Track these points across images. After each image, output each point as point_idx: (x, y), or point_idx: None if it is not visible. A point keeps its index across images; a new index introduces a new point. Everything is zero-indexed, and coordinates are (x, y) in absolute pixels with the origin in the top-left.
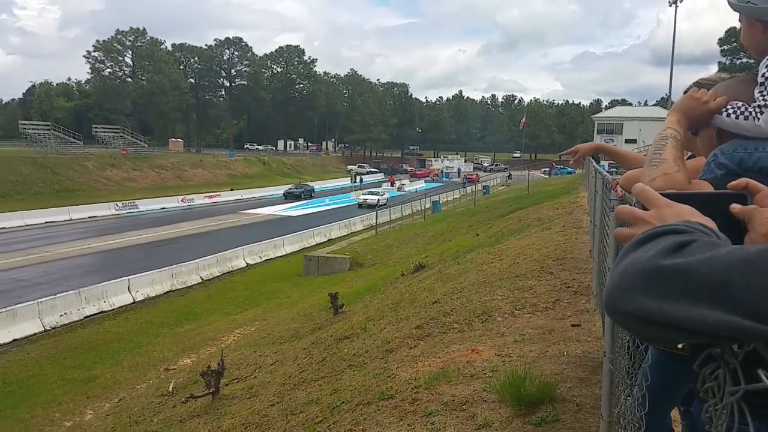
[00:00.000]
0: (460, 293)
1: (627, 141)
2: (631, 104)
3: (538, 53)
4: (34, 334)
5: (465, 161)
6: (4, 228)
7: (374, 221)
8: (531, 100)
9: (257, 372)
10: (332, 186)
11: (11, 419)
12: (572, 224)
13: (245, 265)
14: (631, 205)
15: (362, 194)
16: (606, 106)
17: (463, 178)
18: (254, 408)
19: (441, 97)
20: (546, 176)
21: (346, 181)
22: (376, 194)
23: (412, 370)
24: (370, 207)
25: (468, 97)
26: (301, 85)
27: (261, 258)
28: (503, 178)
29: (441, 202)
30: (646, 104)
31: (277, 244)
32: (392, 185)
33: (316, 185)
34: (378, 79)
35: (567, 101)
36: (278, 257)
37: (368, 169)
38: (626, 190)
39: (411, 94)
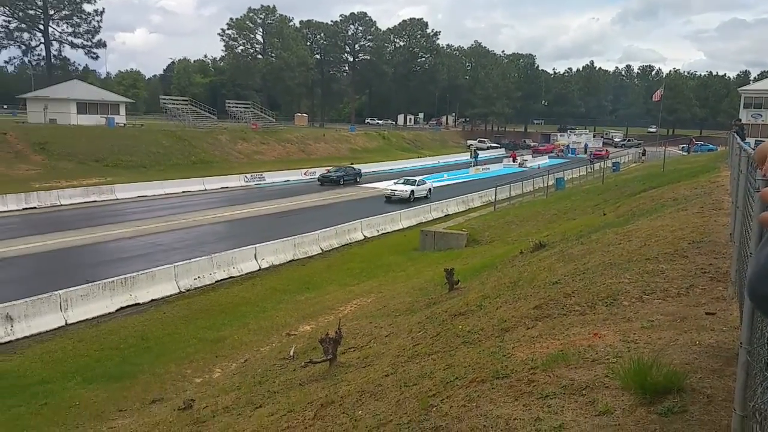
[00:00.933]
0: (583, 274)
1: None
2: None
3: (680, 21)
4: (170, 295)
5: (594, 136)
6: (145, 196)
7: (493, 197)
8: (670, 71)
9: (372, 342)
10: (450, 161)
11: (148, 373)
12: (711, 205)
13: (363, 237)
14: None
15: (393, 184)
16: (755, 78)
17: (590, 154)
18: (369, 377)
19: (570, 69)
20: (684, 153)
21: (465, 157)
22: (410, 184)
23: (529, 351)
24: (403, 202)
25: (600, 68)
26: (423, 59)
27: (378, 231)
28: (636, 155)
29: (566, 179)
30: None
31: (394, 218)
32: (514, 161)
33: (436, 160)
34: (503, 51)
35: (710, 72)
36: (395, 231)
37: (489, 144)
38: None
39: (537, 66)
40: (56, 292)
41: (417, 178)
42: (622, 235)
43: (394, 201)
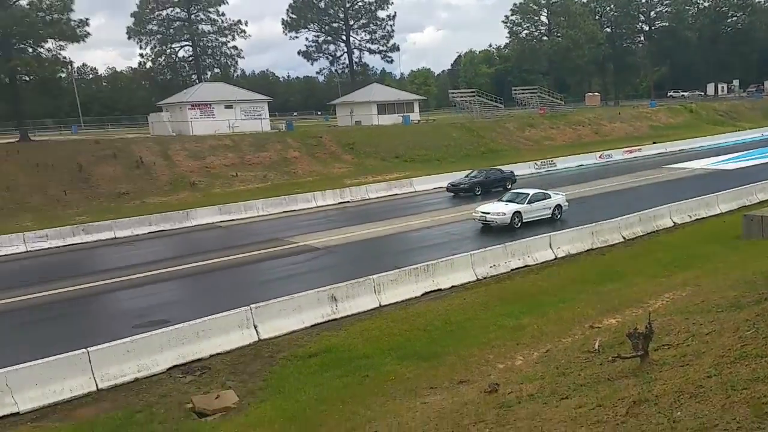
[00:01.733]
0: None
1: None
2: None
3: None
4: (468, 282)
5: None
6: (440, 187)
7: None
8: None
9: (690, 340)
10: None
11: (454, 355)
12: None
13: (672, 224)
14: None
15: (491, 204)
16: None
17: None
18: (688, 377)
19: None
20: None
21: None
22: (517, 201)
23: None
24: (503, 230)
25: None
26: (734, 18)
27: (690, 217)
28: None
29: None
30: None
31: (709, 201)
32: None
33: (758, 133)
34: None
35: None
36: (710, 216)
37: None
38: None
39: None
40: (370, 277)
41: (531, 192)
42: None
43: (492, 226)
